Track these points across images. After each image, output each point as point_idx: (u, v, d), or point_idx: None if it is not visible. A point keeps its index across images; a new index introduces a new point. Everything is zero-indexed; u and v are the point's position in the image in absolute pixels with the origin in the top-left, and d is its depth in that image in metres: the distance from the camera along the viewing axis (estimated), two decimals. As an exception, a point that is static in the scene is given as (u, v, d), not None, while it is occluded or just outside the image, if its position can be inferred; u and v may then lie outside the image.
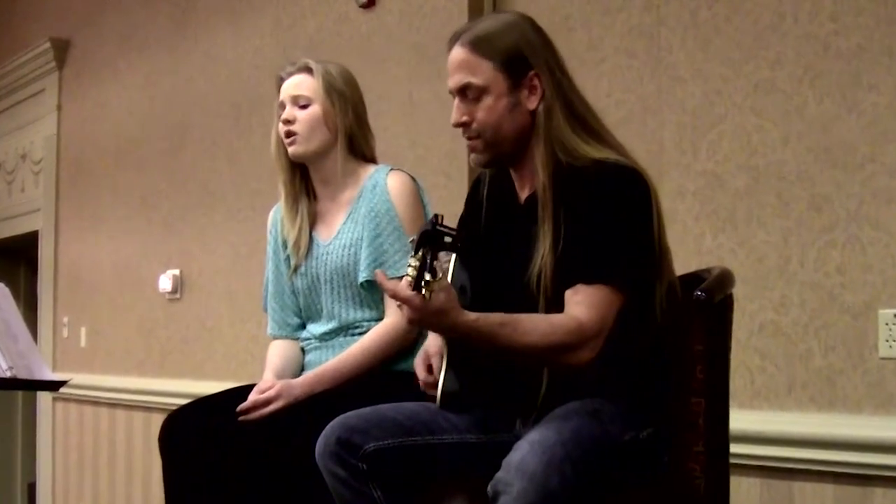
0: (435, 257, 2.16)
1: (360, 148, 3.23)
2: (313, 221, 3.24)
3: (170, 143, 6.49)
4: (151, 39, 6.72)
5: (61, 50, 7.82)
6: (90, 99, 7.49)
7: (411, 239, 2.24)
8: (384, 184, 3.15)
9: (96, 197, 7.34)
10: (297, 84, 3.19)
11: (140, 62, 6.85)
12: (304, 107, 3.17)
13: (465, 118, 2.55)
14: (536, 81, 2.53)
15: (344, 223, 3.18)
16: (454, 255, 2.61)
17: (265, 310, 3.35)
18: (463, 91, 2.54)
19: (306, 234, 3.22)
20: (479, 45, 2.53)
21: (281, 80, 3.24)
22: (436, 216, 2.22)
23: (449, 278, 2.57)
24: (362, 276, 3.11)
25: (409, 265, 2.18)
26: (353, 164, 3.22)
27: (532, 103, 2.53)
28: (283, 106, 3.21)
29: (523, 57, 2.54)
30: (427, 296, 2.18)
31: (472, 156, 2.60)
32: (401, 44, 4.68)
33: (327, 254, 3.19)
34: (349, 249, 3.15)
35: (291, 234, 3.22)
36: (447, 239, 2.19)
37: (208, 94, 6.13)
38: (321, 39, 5.16)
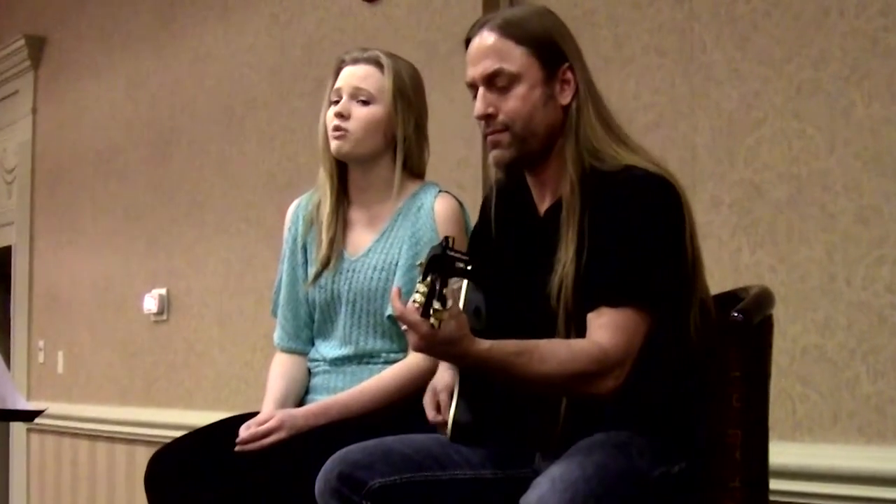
0: (445, 284, 2.16)
1: (413, 163, 3.19)
2: (344, 228, 3.19)
3: (155, 150, 6.51)
4: (135, 36, 6.75)
5: (36, 48, 7.85)
6: (68, 101, 7.51)
7: (419, 262, 2.24)
8: (431, 208, 3.11)
9: (75, 209, 7.36)
10: (364, 76, 3.13)
11: (123, 61, 6.87)
12: (365, 103, 3.12)
13: (490, 109, 2.54)
14: (570, 75, 2.55)
15: (377, 240, 3.15)
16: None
17: (274, 314, 3.31)
18: (491, 79, 2.53)
19: (340, 241, 3.16)
20: (511, 30, 2.53)
21: (342, 63, 3.17)
22: (446, 239, 2.21)
23: (462, 300, 2.57)
24: (391, 309, 3.00)
25: (417, 291, 2.18)
26: (400, 178, 3.16)
27: (565, 98, 2.55)
28: (338, 94, 3.14)
29: (557, 47, 2.56)
30: (436, 324, 2.17)
31: (495, 152, 2.57)
32: (409, 41, 4.69)
33: (353, 271, 3.14)
34: (380, 272, 3.11)
35: (325, 236, 3.15)
36: (459, 265, 2.19)
37: (197, 97, 6.15)
38: (321, 36, 5.18)
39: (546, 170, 2.59)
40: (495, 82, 2.53)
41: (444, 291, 2.16)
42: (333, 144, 3.11)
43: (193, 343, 6.10)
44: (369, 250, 3.14)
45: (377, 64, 3.14)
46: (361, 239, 3.18)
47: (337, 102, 3.14)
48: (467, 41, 2.60)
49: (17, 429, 7.92)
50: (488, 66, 2.53)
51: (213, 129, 5.98)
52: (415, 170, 3.21)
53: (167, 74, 6.43)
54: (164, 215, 6.40)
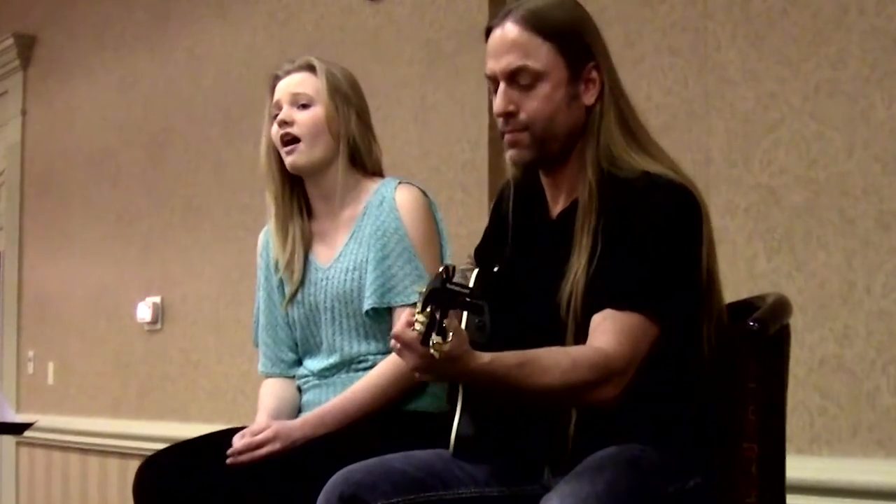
0: (445, 315, 2.16)
1: (363, 160, 3.23)
2: (310, 242, 3.24)
3: (149, 152, 6.52)
4: (129, 35, 6.76)
5: (26, 47, 7.86)
6: (59, 102, 7.52)
7: (418, 291, 2.24)
8: (392, 199, 3.15)
9: (66, 214, 7.36)
10: (299, 82, 3.19)
11: (116, 61, 6.88)
12: (305, 107, 3.17)
13: (511, 107, 2.51)
14: (595, 74, 2.52)
15: (346, 244, 3.19)
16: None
17: (256, 344, 3.35)
18: (513, 76, 2.49)
19: (300, 256, 3.21)
20: (538, 25, 2.49)
21: (276, 79, 3.23)
22: (446, 269, 2.20)
23: (465, 315, 2.56)
24: (368, 304, 3.09)
25: (417, 321, 2.18)
26: (355, 177, 3.22)
27: (589, 99, 2.52)
28: (278, 107, 3.20)
29: (585, 44, 2.53)
30: (435, 355, 2.17)
31: (513, 152, 2.54)
32: (412, 40, 4.70)
33: (327, 279, 3.18)
34: (353, 273, 3.14)
35: (282, 257, 3.22)
36: (459, 297, 2.18)
37: (193, 98, 6.16)
38: (321, 35, 5.18)
39: (563, 171, 2.57)
40: (518, 79, 2.49)
41: (444, 324, 2.16)
42: (288, 160, 3.17)
43: (189, 353, 6.11)
44: (340, 255, 3.19)
45: (309, 68, 3.21)
46: (331, 247, 3.23)
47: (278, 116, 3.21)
48: (488, 31, 2.56)
49: (6, 442, 7.92)
50: (511, 61, 2.49)
51: (210, 131, 5.98)
52: (369, 169, 3.26)
53: (162, 74, 6.44)
54: (158, 220, 6.41)
